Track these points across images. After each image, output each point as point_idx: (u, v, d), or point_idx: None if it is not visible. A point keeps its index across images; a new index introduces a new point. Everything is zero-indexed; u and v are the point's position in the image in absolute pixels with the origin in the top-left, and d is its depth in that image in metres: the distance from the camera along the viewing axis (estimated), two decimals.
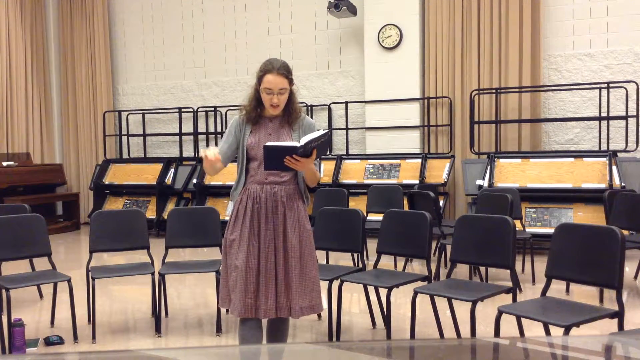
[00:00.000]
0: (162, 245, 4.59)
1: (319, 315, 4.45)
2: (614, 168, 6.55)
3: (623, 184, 6.39)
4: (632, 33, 7.24)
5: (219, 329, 4.16)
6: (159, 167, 9.04)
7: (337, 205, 5.88)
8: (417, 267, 6.13)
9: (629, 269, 5.67)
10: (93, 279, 4.17)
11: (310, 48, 8.93)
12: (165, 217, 7.32)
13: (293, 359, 1.77)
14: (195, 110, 9.40)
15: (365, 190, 7.24)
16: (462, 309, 4.22)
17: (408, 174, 7.74)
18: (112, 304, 5.06)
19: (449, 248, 4.44)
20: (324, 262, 5.44)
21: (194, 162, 9.12)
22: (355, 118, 8.63)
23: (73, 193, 9.94)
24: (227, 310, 3.14)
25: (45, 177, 9.56)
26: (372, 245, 4.70)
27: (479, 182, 7.04)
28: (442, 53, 7.97)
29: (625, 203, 5.06)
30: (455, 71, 7.93)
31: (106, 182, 9.28)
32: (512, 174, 6.96)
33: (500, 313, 3.15)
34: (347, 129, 8.55)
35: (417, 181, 7.46)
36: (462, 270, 5.57)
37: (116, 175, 9.32)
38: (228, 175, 7.90)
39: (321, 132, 2.93)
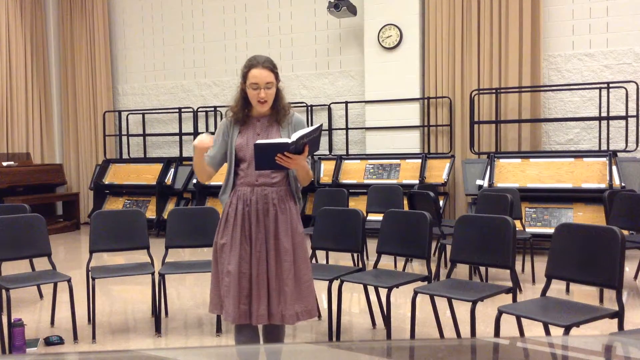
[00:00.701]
0: (162, 245, 4.59)
1: (319, 315, 4.45)
2: (614, 168, 6.55)
3: (623, 184, 6.39)
4: (632, 33, 7.24)
5: (219, 329, 4.16)
6: (159, 167, 9.04)
7: (337, 205, 5.87)
8: (417, 267, 6.13)
9: (629, 269, 5.67)
10: (93, 279, 4.17)
11: (310, 48, 8.93)
12: (165, 217, 7.32)
13: (293, 359, 1.77)
14: (195, 110, 9.40)
15: (365, 190, 7.24)
16: (462, 309, 4.22)
17: (408, 174, 7.74)
18: (112, 304, 5.06)
19: (449, 248, 4.44)
20: (324, 262, 5.45)
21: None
22: (355, 118, 8.63)
23: (73, 193, 9.94)
24: (218, 316, 3.09)
25: (45, 177, 9.56)
26: (372, 245, 4.70)
27: (479, 182, 7.04)
28: (442, 53, 7.97)
29: (625, 203, 5.07)
30: (455, 71, 7.93)
31: (106, 182, 9.28)
32: (512, 174, 6.96)
33: (500, 313, 3.15)
34: (347, 129, 8.55)
35: (417, 181, 7.46)
36: (462, 270, 5.57)
37: (116, 175, 9.32)
38: None
39: (313, 127, 2.85)
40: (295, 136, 2.78)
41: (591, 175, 6.64)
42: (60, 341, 4.05)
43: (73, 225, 9.56)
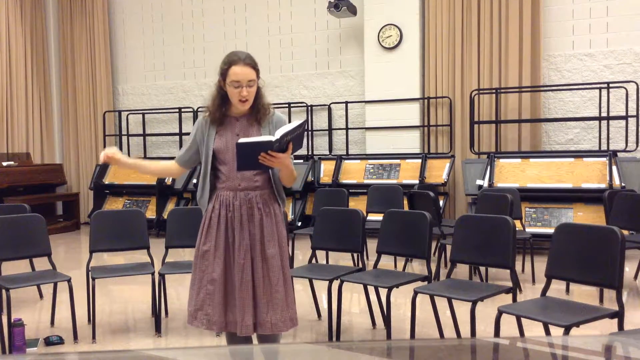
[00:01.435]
0: (162, 245, 4.59)
1: (319, 315, 4.45)
2: (614, 168, 6.55)
3: (623, 184, 6.39)
4: (632, 33, 7.24)
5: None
6: None
7: (337, 205, 5.87)
8: (417, 267, 6.13)
9: (629, 269, 5.67)
10: (93, 279, 4.17)
11: (310, 48, 8.93)
12: (165, 217, 7.32)
13: (293, 359, 1.77)
14: (195, 110, 9.40)
15: (365, 190, 7.24)
16: (462, 309, 4.22)
17: (408, 174, 7.74)
18: (112, 304, 5.06)
19: (449, 248, 4.44)
20: (324, 262, 5.45)
21: None
22: (355, 118, 8.63)
23: (73, 193, 9.94)
24: (193, 324, 2.91)
25: (45, 177, 9.56)
26: (372, 245, 4.70)
27: (479, 182, 7.04)
28: (442, 53, 7.97)
29: (625, 203, 5.06)
30: (455, 71, 7.93)
31: (106, 182, 9.28)
32: (512, 174, 6.96)
33: (500, 313, 3.15)
34: (347, 129, 8.55)
35: (417, 181, 7.46)
36: (462, 270, 5.57)
37: (116, 175, 9.32)
38: None
39: (296, 124, 2.69)
40: (278, 133, 2.65)
41: (591, 175, 6.64)
42: (60, 341, 4.05)
43: (73, 225, 9.56)
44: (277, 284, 2.86)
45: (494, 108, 7.57)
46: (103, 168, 9.41)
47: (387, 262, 5.95)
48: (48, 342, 4.03)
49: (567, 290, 5.04)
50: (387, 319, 3.86)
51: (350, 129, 8.62)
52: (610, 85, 7.07)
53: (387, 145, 8.16)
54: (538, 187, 6.78)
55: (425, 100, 8.08)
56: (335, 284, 3.93)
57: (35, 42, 10.03)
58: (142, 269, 4.40)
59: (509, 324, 3.57)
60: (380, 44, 8.13)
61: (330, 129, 8.72)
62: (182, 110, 9.47)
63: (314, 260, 4.71)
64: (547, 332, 3.37)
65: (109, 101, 10.10)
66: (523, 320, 3.35)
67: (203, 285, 2.88)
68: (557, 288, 4.94)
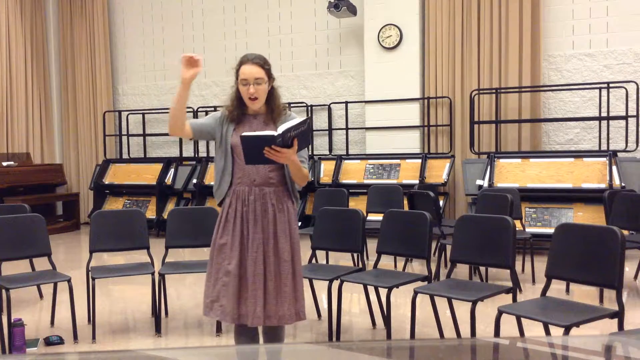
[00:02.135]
0: (162, 245, 4.59)
1: (319, 315, 4.45)
2: (614, 168, 6.55)
3: (623, 184, 6.39)
4: (632, 33, 7.24)
5: (219, 329, 4.16)
6: (159, 167, 9.04)
7: (337, 205, 5.87)
8: (417, 267, 6.13)
9: (629, 269, 5.67)
10: (93, 279, 4.17)
11: (310, 48, 8.93)
12: (165, 217, 7.32)
13: (293, 359, 1.77)
14: (195, 110, 9.40)
15: (365, 190, 7.24)
16: (462, 309, 4.22)
17: (408, 174, 7.74)
18: (112, 304, 5.06)
19: (449, 248, 4.44)
20: (324, 262, 5.44)
21: (194, 162, 9.12)
22: (355, 118, 8.63)
23: (73, 193, 9.94)
24: (206, 315, 3.01)
25: (45, 177, 9.56)
26: (372, 245, 4.70)
27: (479, 182, 7.04)
28: (442, 53, 7.97)
29: (625, 203, 5.06)
30: (455, 71, 7.93)
31: (106, 182, 9.28)
32: (512, 174, 6.96)
33: (500, 313, 3.15)
34: (347, 129, 8.55)
35: (417, 181, 7.46)
36: (462, 270, 5.57)
37: (116, 175, 9.32)
38: None
39: (299, 120, 2.78)
40: (281, 129, 2.74)
41: (591, 175, 6.64)
42: (60, 341, 4.05)
43: (73, 225, 9.56)
44: (286, 278, 2.96)
45: (494, 108, 7.57)
46: (103, 168, 9.42)
47: (387, 262, 5.95)
48: (48, 342, 4.03)
49: (567, 290, 5.04)
50: (387, 319, 3.86)
51: (350, 129, 8.62)
52: (610, 85, 7.07)
53: (387, 145, 8.16)
54: (538, 187, 6.78)
55: (425, 100, 8.08)
56: (335, 284, 3.93)
57: (35, 42, 10.03)
58: (142, 269, 4.40)
59: (509, 324, 3.57)
60: (380, 44, 8.13)
61: (330, 129, 8.72)
62: None
63: (314, 260, 4.71)
64: (547, 332, 3.37)
65: (109, 101, 10.09)
66: (523, 320, 3.35)
67: (219, 278, 2.97)
68: (557, 288, 4.94)
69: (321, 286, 4.48)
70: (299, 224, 7.80)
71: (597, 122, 7.34)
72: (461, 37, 7.87)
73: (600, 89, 7.23)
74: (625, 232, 3.88)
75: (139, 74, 10.12)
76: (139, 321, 4.55)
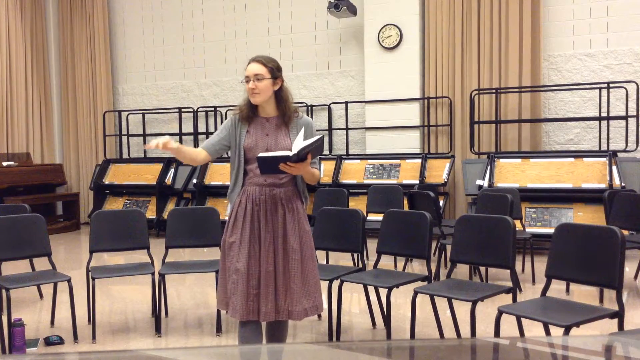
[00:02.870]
0: (162, 245, 4.59)
1: (319, 315, 4.45)
2: (614, 168, 6.55)
3: (623, 184, 6.39)
4: (632, 33, 7.24)
5: (219, 329, 4.16)
6: (159, 167, 9.04)
7: (337, 205, 5.88)
8: (417, 267, 6.13)
9: (629, 269, 5.67)
10: (93, 279, 4.17)
11: (310, 48, 8.93)
12: (165, 217, 7.32)
13: (293, 359, 1.77)
14: (195, 110, 9.40)
15: (365, 190, 7.24)
16: (462, 309, 4.23)
17: (408, 174, 7.74)
18: (112, 304, 5.06)
19: (449, 248, 4.44)
20: (324, 262, 5.45)
21: None
22: (355, 118, 8.63)
23: (73, 193, 9.94)
24: (226, 312, 3.12)
25: (45, 177, 9.56)
26: (372, 245, 4.70)
27: (479, 182, 7.04)
28: (442, 53, 7.97)
29: (625, 203, 5.06)
30: (455, 71, 7.93)
31: (106, 182, 9.28)
32: (512, 174, 6.96)
33: (500, 313, 3.15)
34: (347, 129, 8.55)
35: (417, 181, 7.46)
36: (462, 270, 5.57)
37: (116, 175, 9.32)
38: (227, 176, 7.89)
39: (313, 139, 2.91)
40: (296, 148, 2.85)
41: (591, 175, 6.64)
42: (60, 341, 4.05)
43: (73, 225, 9.56)
44: (295, 276, 3.04)
45: (494, 108, 7.57)
46: (103, 168, 9.42)
47: (387, 262, 5.95)
48: (48, 342, 4.03)
49: (567, 290, 5.04)
50: (387, 319, 3.86)
51: (350, 129, 8.62)
52: (610, 85, 7.07)
53: (387, 145, 8.16)
54: (538, 187, 6.78)
55: (425, 100, 8.08)
56: (336, 284, 3.93)
57: (35, 42, 10.03)
58: (142, 269, 4.40)
59: (509, 324, 3.57)
60: (380, 44, 8.13)
61: (330, 129, 8.72)
62: (182, 110, 9.47)
63: None
64: (547, 332, 3.37)
65: (109, 101, 10.09)
66: (523, 320, 3.36)
67: (230, 275, 3.06)
68: (557, 288, 4.94)
69: (321, 286, 4.47)
70: None
71: (597, 122, 7.34)
72: (461, 37, 7.87)
73: (600, 89, 7.23)
74: (625, 232, 3.89)
75: (139, 74, 10.12)
76: (139, 321, 4.55)
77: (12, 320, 3.84)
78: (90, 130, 10.20)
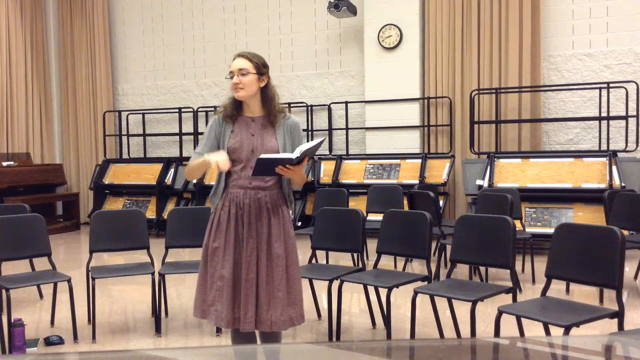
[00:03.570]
0: (162, 245, 4.59)
1: (319, 315, 4.45)
2: (614, 168, 6.55)
3: (623, 184, 6.39)
4: (632, 33, 7.24)
5: (218, 329, 4.16)
6: (158, 167, 9.04)
7: (337, 205, 5.87)
8: (417, 267, 6.13)
9: (629, 269, 5.67)
10: (93, 279, 4.17)
11: (310, 48, 8.93)
12: (165, 217, 7.32)
13: (293, 359, 1.77)
14: (195, 110, 9.40)
15: (365, 190, 7.24)
16: (462, 309, 4.22)
17: (408, 174, 7.74)
18: (112, 304, 5.06)
19: (449, 248, 4.44)
20: (324, 262, 5.45)
21: None
22: (355, 118, 8.63)
23: (73, 193, 9.94)
24: (206, 320, 2.99)
25: (45, 177, 9.56)
26: (372, 245, 4.70)
27: (479, 182, 7.04)
28: (442, 53, 7.97)
29: (625, 203, 5.06)
30: (455, 71, 7.93)
31: (106, 182, 9.28)
32: (512, 174, 6.96)
33: (500, 313, 3.15)
34: (347, 129, 8.55)
35: (417, 181, 7.46)
36: (462, 270, 5.57)
37: (116, 175, 9.32)
38: None
39: (315, 143, 2.83)
40: (298, 152, 2.79)
41: (591, 175, 6.64)
42: (60, 341, 4.05)
43: (73, 225, 9.56)
44: (280, 284, 2.90)
45: (494, 108, 7.57)
46: (103, 168, 9.42)
47: (387, 262, 5.95)
48: (48, 342, 4.03)
49: (567, 290, 5.04)
50: (387, 319, 3.86)
51: (350, 129, 8.62)
52: (610, 85, 7.07)
53: (387, 145, 8.16)
54: (538, 187, 6.78)
55: (425, 100, 8.08)
56: (335, 284, 3.93)
57: (35, 42, 10.03)
58: (142, 269, 4.40)
59: (509, 324, 3.57)
60: (380, 44, 8.13)
61: (330, 129, 8.72)
62: (182, 110, 9.47)
63: (314, 260, 4.71)
64: (547, 332, 3.37)
65: (109, 101, 10.09)
66: (523, 320, 3.35)
67: (214, 282, 2.93)
68: (557, 288, 4.94)
69: (321, 286, 4.47)
70: (299, 224, 7.83)
71: (597, 122, 7.34)
72: (461, 37, 7.87)
73: (600, 89, 7.23)
74: (625, 232, 3.88)
75: (139, 74, 10.12)
76: (139, 321, 4.55)
77: (12, 320, 3.84)
78: (90, 130, 10.20)
